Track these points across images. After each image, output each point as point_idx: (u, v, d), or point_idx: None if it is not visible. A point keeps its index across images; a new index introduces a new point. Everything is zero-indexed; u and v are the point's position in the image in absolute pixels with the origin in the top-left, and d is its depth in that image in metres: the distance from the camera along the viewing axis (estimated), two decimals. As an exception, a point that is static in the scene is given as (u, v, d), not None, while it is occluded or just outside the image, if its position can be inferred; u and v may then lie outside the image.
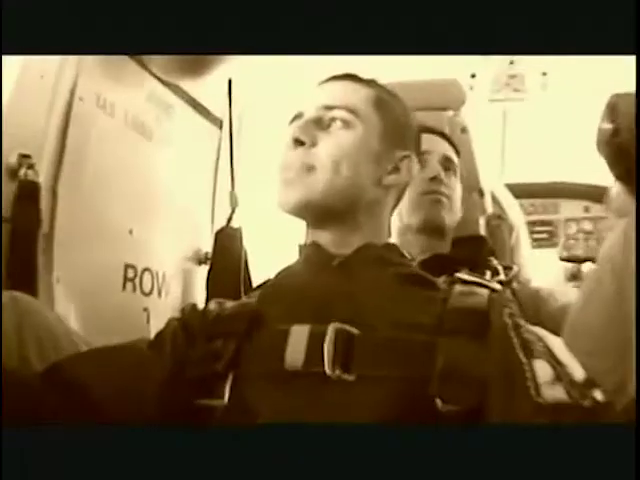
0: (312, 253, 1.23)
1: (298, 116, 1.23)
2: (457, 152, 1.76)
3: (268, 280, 1.27)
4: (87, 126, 1.45)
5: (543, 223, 3.56)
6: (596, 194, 3.26)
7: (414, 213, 1.64)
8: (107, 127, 1.51)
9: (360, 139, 1.20)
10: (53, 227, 1.39)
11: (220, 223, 1.97)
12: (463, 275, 1.22)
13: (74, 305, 1.43)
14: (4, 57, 1.14)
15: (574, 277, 3.31)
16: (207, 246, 1.97)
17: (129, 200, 1.62)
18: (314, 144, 1.17)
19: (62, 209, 1.40)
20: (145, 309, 1.69)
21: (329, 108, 1.20)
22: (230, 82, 1.90)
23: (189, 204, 1.93)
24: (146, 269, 1.69)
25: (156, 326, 1.53)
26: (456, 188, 1.71)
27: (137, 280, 1.65)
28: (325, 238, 1.21)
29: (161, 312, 1.74)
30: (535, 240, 3.41)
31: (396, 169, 1.24)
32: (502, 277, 1.48)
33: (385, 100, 1.26)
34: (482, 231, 2.03)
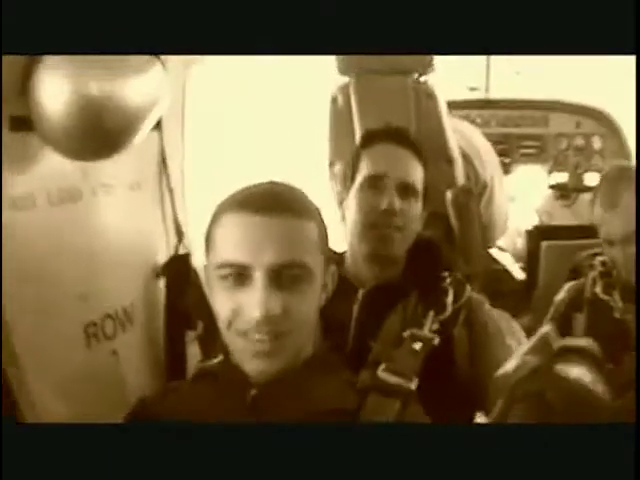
0: (226, 375, 1.20)
1: (242, 275, 1.10)
2: (423, 162, 1.64)
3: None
4: (13, 239, 1.30)
5: (532, 137, 3.40)
6: (588, 111, 3.26)
7: (361, 243, 1.58)
8: (29, 223, 1.37)
9: (317, 287, 1.16)
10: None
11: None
12: (383, 374, 1.20)
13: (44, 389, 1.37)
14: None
15: (563, 196, 3.30)
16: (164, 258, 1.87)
17: (74, 267, 1.50)
18: (287, 311, 1.10)
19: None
20: (114, 352, 1.62)
21: (284, 267, 1.10)
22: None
23: (140, 232, 1.80)
24: (106, 316, 1.61)
25: (127, 361, 1.64)
26: (414, 214, 1.60)
27: (99, 331, 1.57)
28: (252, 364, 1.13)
29: (130, 344, 1.70)
30: (523, 155, 3.36)
31: (325, 286, 1.20)
32: (447, 313, 1.47)
33: (323, 232, 1.19)
34: (449, 206, 1.96)
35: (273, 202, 1.13)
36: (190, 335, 1.81)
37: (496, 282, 1.62)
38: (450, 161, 1.98)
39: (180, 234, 1.87)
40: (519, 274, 2.83)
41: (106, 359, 1.60)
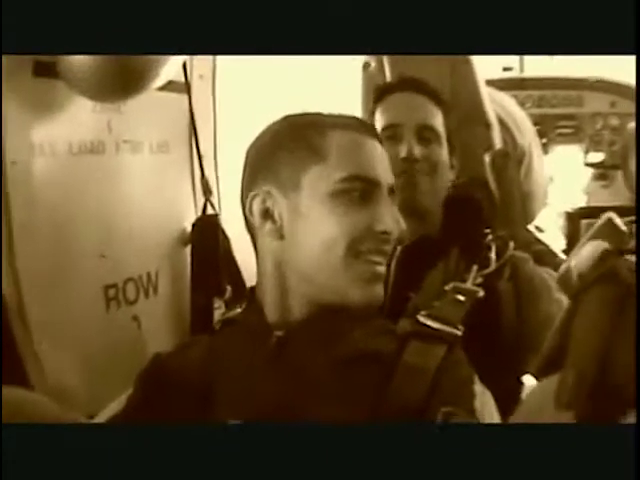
0: (248, 319, 1.18)
1: (368, 191, 1.10)
2: (442, 107, 1.60)
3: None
4: (27, 184, 1.34)
5: (568, 117, 3.40)
6: (622, 90, 3.23)
7: None
8: (50, 168, 1.40)
9: None
10: (19, 280, 1.30)
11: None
12: (425, 320, 1.16)
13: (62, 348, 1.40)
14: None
15: (601, 176, 3.27)
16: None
17: (96, 225, 1.54)
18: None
19: (23, 257, 1.31)
20: (135, 317, 1.64)
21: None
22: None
23: (166, 195, 1.85)
24: (128, 279, 1.63)
25: (149, 329, 1.67)
26: (439, 159, 1.56)
27: (120, 295, 1.59)
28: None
29: (152, 311, 1.71)
30: (560, 135, 3.39)
31: None
32: (491, 268, 1.42)
33: None
34: (487, 171, 1.91)
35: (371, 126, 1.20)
36: (217, 303, 1.79)
37: (538, 262, 1.57)
38: (487, 125, 1.93)
39: (208, 192, 1.89)
40: (561, 254, 2.80)
41: (126, 325, 1.62)
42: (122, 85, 1.37)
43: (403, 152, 1.51)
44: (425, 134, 1.54)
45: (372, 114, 1.63)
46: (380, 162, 1.12)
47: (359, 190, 1.07)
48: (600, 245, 0.92)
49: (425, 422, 0.95)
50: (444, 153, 1.58)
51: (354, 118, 1.17)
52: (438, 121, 1.57)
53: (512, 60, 3.34)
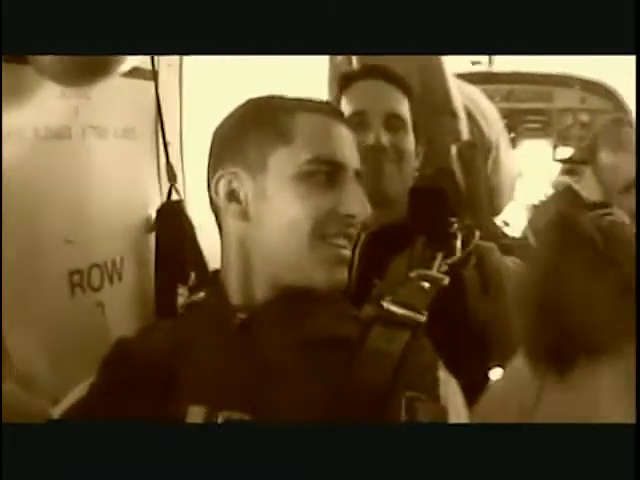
0: (212, 302, 1.17)
1: (332, 174, 1.08)
2: (408, 95, 1.58)
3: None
4: None
5: (537, 112, 3.40)
6: (592, 87, 3.23)
7: None
8: (17, 153, 1.39)
9: None
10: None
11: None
12: (389, 305, 1.14)
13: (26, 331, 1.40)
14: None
15: (570, 172, 3.30)
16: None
17: (62, 210, 1.53)
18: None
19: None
20: (99, 304, 1.63)
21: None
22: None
23: (132, 181, 1.83)
24: (93, 265, 1.61)
25: (113, 316, 1.67)
26: (406, 147, 1.54)
27: (84, 281, 1.58)
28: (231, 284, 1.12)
29: (117, 298, 1.70)
30: (528, 129, 3.37)
31: None
32: (456, 257, 1.41)
33: None
34: (454, 162, 1.88)
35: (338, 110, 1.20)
36: (181, 289, 1.79)
37: (505, 254, 1.57)
38: (454, 115, 1.91)
39: (173, 178, 1.89)
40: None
41: (91, 311, 1.61)
42: (89, 69, 1.36)
43: (370, 140, 1.49)
44: (392, 122, 1.53)
45: (338, 102, 1.59)
46: (347, 146, 1.10)
47: (325, 173, 1.06)
48: (557, 203, 0.92)
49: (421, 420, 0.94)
50: (411, 141, 1.56)
51: (321, 102, 1.16)
52: (405, 109, 1.56)
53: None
